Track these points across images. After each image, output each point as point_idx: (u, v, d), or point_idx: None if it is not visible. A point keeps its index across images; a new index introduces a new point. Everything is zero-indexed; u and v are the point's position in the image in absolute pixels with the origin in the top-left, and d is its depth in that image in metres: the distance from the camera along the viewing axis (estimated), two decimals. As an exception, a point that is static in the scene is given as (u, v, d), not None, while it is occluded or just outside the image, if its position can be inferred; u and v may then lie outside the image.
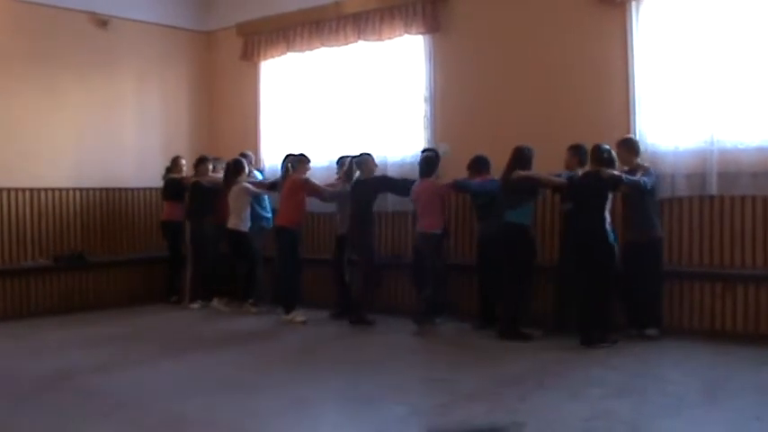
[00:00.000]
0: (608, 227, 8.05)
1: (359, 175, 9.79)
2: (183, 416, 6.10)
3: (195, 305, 11.14)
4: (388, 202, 10.39)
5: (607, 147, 8.15)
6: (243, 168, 10.75)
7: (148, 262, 11.98)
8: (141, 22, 12.17)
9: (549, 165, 8.74)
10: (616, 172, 8.07)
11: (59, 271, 11.04)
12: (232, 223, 10.61)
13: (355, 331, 9.43)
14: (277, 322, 10.01)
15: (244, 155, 11.21)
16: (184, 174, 11.63)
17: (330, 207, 10.52)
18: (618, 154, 8.29)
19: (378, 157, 10.21)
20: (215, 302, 10.97)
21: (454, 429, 5.66)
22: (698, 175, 8.45)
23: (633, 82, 8.83)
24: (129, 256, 11.89)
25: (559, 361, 7.63)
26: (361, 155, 9.89)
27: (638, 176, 8.18)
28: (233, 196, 10.57)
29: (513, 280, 8.52)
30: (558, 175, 8.57)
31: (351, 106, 11.15)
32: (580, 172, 8.41)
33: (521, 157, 8.59)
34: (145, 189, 12.10)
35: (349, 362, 7.97)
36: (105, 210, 11.75)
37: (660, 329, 8.31)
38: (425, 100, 10.40)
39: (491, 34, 9.91)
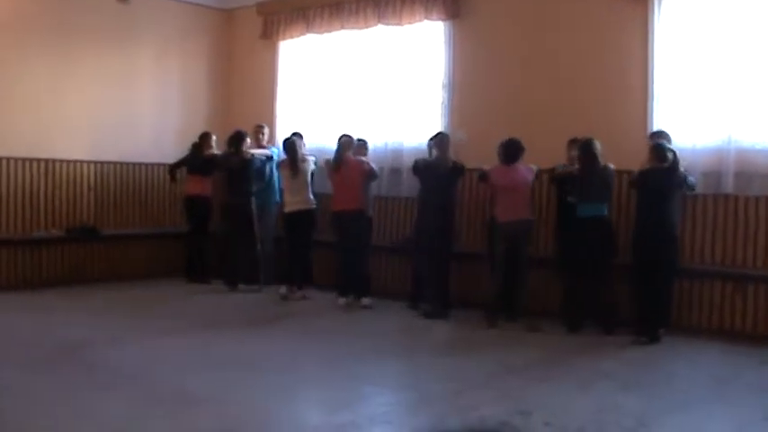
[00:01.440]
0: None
1: (436, 156, 9.40)
2: (193, 391, 6.13)
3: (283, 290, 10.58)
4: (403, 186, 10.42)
5: (670, 146, 8.09)
6: (298, 147, 10.35)
7: (162, 237, 11.99)
8: (162, -3, 12.20)
9: (564, 156, 8.77)
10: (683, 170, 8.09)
11: (71, 242, 11.07)
12: (300, 202, 10.27)
13: (365, 314, 9.43)
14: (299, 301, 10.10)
15: (296, 133, 10.77)
16: (214, 150, 11.53)
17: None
18: (651, 144, 8.26)
19: (394, 142, 10.19)
20: (283, 289, 10.39)
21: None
22: (714, 174, 8.42)
23: (652, 77, 8.78)
24: (142, 231, 11.91)
25: (568, 352, 7.65)
26: (438, 134, 9.54)
27: (690, 176, 8.23)
28: (295, 175, 10.23)
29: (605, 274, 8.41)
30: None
31: (368, 90, 11.13)
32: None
33: (595, 151, 8.37)
34: (160, 164, 12.09)
35: (359, 343, 7.99)
36: (119, 183, 11.77)
37: (667, 326, 8.25)
38: (443, 86, 10.38)
39: (511, 23, 9.88)
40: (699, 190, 8.45)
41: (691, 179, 8.22)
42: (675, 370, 7.04)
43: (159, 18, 12.17)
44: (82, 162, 11.32)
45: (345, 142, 9.88)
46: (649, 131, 8.61)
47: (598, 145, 8.36)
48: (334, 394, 6.28)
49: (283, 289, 10.33)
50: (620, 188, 8.77)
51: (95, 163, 11.46)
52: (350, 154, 9.88)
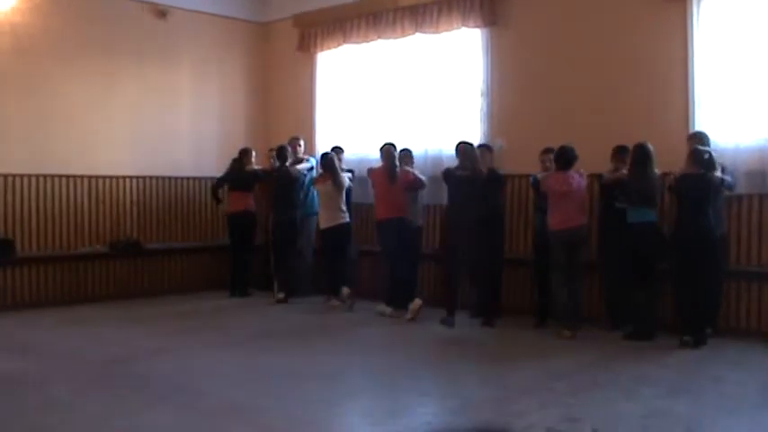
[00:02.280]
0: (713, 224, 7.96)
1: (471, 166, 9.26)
2: (240, 403, 6.16)
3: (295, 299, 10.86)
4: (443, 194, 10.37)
5: (708, 149, 8.00)
6: (334, 164, 10.43)
7: (204, 250, 12.10)
8: (199, 12, 12.27)
9: (605, 162, 8.69)
10: (718, 174, 7.95)
11: (115, 258, 11.20)
12: (332, 218, 10.37)
13: (413, 324, 9.39)
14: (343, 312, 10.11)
15: (337, 148, 11.11)
16: (254, 165, 11.58)
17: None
18: (689, 147, 8.17)
19: (433, 150, 10.20)
20: (333, 301, 10.45)
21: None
22: (758, 173, 8.31)
23: (693, 78, 8.71)
24: (184, 245, 12.03)
25: (613, 357, 7.58)
26: (461, 143, 9.37)
27: (727, 177, 8.08)
28: (328, 192, 10.35)
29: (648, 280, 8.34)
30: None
31: (407, 99, 11.15)
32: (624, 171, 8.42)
33: (648, 156, 8.29)
34: (200, 178, 12.22)
35: (402, 352, 7.99)
36: (161, 198, 11.90)
37: (715, 328, 8.17)
38: (482, 94, 10.35)
39: (548, 29, 9.84)
40: (742, 190, 8.35)
41: (728, 179, 8.08)
42: (722, 374, 6.91)
43: (197, 32, 12.29)
44: (124, 177, 11.45)
45: (388, 151, 9.91)
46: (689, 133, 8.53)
47: (651, 150, 8.26)
48: (378, 404, 6.28)
49: (332, 300, 10.42)
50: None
51: (137, 178, 11.59)
52: (401, 165, 9.93)
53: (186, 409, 5.99)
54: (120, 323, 9.52)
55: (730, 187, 8.15)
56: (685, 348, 7.75)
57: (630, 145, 8.41)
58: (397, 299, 9.79)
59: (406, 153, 10.18)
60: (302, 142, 11.41)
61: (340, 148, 11.08)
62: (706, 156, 7.90)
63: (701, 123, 8.62)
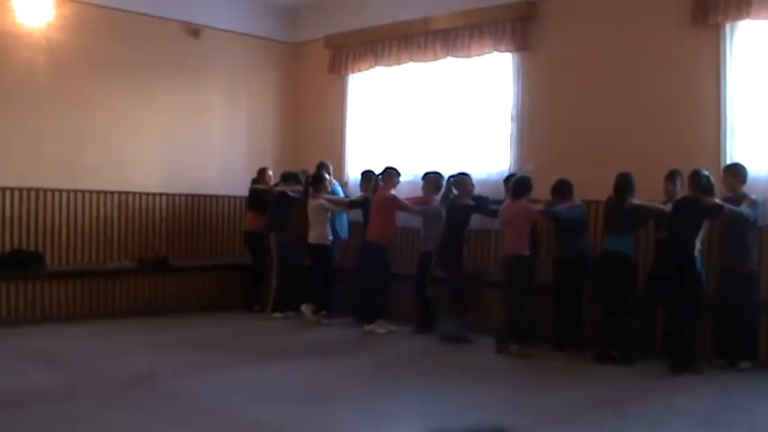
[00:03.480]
0: (697, 254, 7.90)
1: (456, 195, 9.77)
2: (259, 423, 6.16)
3: (278, 315, 11.09)
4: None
5: (706, 172, 7.98)
6: (322, 181, 10.75)
7: (230, 269, 12.12)
8: (232, 32, 12.39)
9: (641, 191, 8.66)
10: (717, 200, 7.88)
11: (143, 274, 11.25)
12: (313, 237, 10.66)
13: (437, 347, 9.37)
14: (359, 334, 10.05)
15: (322, 164, 11.27)
16: (270, 185, 11.70)
17: (416, 222, 10.47)
18: (724, 180, 8.16)
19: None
20: (303, 307, 10.66)
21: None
22: (789, 203, 8.23)
23: (725, 105, 8.67)
24: (211, 262, 12.07)
25: (642, 388, 7.49)
26: (458, 174, 9.87)
27: (742, 207, 7.96)
28: (311, 211, 10.63)
29: (623, 310, 8.38)
30: (664, 203, 8.50)
31: (437, 122, 11.17)
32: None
33: (630, 185, 8.44)
34: (229, 197, 12.29)
35: (429, 377, 7.94)
36: (190, 215, 11.98)
37: (754, 362, 8.05)
38: (512, 119, 10.34)
39: (580, 54, 9.82)
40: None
41: (743, 210, 7.93)
42: (754, 407, 6.81)
43: (229, 52, 12.39)
44: (154, 194, 11.53)
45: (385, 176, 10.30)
46: (723, 162, 8.48)
47: (632, 178, 8.39)
48: (401, 427, 6.27)
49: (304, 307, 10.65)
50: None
51: (167, 195, 11.67)
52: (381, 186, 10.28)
53: (212, 429, 6.00)
54: (146, 339, 9.54)
55: (746, 219, 7.98)
56: (677, 376, 7.77)
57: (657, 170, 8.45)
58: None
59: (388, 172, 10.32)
60: (330, 167, 11.42)
61: (325, 164, 11.30)
62: (704, 180, 7.91)
63: (732, 152, 8.57)
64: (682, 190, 8.40)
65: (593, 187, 8.94)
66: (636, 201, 8.44)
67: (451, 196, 9.84)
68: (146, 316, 10.88)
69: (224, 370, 7.98)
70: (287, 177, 11.37)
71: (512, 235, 8.96)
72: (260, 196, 11.57)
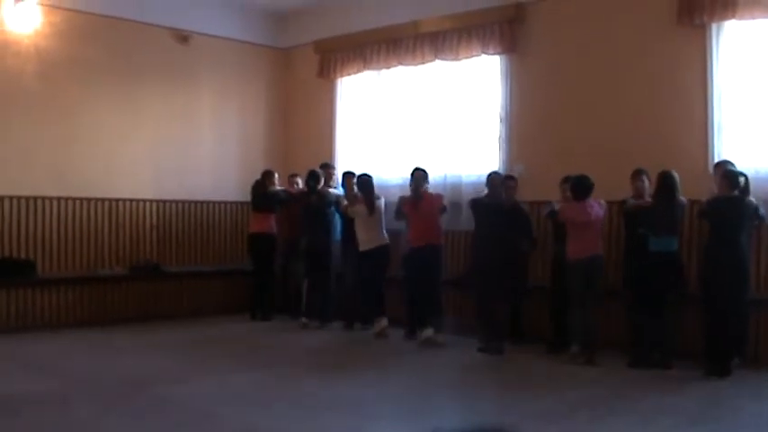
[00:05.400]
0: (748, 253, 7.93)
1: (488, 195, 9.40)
2: (258, 428, 6.18)
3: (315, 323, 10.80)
4: (461, 220, 10.39)
5: (743, 172, 7.98)
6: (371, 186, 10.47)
7: (223, 274, 12.13)
8: (221, 38, 12.40)
9: (626, 188, 8.69)
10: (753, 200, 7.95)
11: (135, 280, 11.24)
12: (368, 240, 10.32)
13: (428, 350, 9.36)
14: (345, 338, 10.05)
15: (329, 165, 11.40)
16: (277, 187, 11.66)
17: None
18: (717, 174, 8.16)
19: (452, 175, 10.23)
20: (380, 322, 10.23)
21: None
22: (777, 201, 8.28)
23: (712, 104, 8.71)
24: (203, 268, 12.07)
25: (632, 386, 7.52)
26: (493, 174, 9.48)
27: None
28: (360, 215, 10.34)
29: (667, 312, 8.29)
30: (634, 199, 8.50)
31: (426, 125, 11.20)
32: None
33: (677, 184, 8.25)
34: (220, 202, 12.31)
35: (421, 379, 7.96)
36: (181, 221, 11.98)
37: (743, 359, 8.08)
38: (501, 120, 10.39)
39: (568, 55, 9.87)
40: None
41: (762, 211, 8.03)
42: (743, 405, 6.85)
43: (218, 58, 12.40)
44: (145, 201, 11.54)
45: (420, 176, 9.82)
46: (711, 161, 8.53)
47: (677, 178, 8.24)
48: (401, 428, 6.31)
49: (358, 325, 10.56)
50: (690, 220, 8.64)
51: (158, 202, 11.67)
52: (427, 188, 9.87)
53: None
54: (139, 346, 9.54)
55: (763, 219, 8.07)
56: (711, 379, 7.65)
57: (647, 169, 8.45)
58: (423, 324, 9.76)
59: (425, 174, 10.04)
60: (336, 170, 11.51)
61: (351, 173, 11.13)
62: (742, 178, 7.88)
63: (720, 150, 8.62)
64: (649, 187, 8.51)
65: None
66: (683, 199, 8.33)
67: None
68: (138, 322, 10.86)
69: (219, 376, 7.98)
70: (315, 178, 11.02)
71: (589, 236, 8.59)
72: (271, 198, 11.45)
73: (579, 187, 8.61)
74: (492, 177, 9.33)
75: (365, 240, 10.30)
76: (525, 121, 10.19)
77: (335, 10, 12.30)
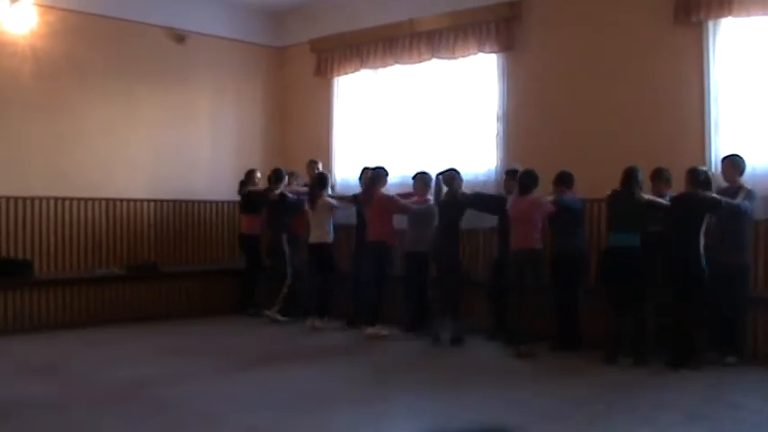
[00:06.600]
0: (701, 250, 7.94)
1: (447, 192, 9.67)
2: (257, 427, 6.16)
3: (282, 318, 10.98)
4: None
5: (704, 169, 8.05)
6: (327, 182, 10.77)
7: (220, 273, 12.12)
8: (217, 37, 12.39)
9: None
10: (715, 195, 7.93)
11: (132, 280, 11.22)
12: (316, 237, 10.60)
13: (433, 348, 9.36)
14: (355, 337, 10.04)
15: (314, 161, 11.61)
16: (259, 186, 11.72)
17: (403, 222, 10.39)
18: (724, 170, 8.21)
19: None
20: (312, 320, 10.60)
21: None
22: (775, 197, 8.28)
23: (709, 101, 8.72)
24: (201, 268, 12.07)
25: (631, 384, 7.52)
26: (447, 171, 9.72)
27: (738, 199, 7.98)
28: (319, 210, 10.55)
29: (634, 308, 8.33)
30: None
31: (423, 123, 11.20)
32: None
33: (637, 178, 8.29)
34: (217, 202, 12.31)
35: (426, 378, 7.94)
36: (178, 221, 11.99)
37: (740, 357, 8.08)
38: (498, 118, 10.39)
39: (565, 53, 9.87)
40: (761, 215, 8.27)
41: (741, 203, 7.96)
42: (741, 401, 6.84)
43: (214, 57, 12.40)
44: (142, 201, 11.53)
45: (374, 176, 10.20)
46: (708, 158, 8.56)
47: (639, 174, 8.28)
48: (401, 428, 6.30)
49: (316, 321, 10.57)
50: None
51: (155, 201, 11.66)
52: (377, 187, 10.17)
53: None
54: (137, 346, 9.52)
55: (743, 211, 8.01)
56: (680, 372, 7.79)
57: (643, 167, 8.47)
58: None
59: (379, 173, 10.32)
60: (320, 165, 11.51)
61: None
62: (702, 176, 7.95)
63: (717, 147, 8.63)
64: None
65: (579, 185, 9.02)
66: (646, 195, 8.34)
67: (443, 194, 9.73)
68: (136, 322, 10.83)
69: (219, 375, 7.98)
70: (279, 176, 11.28)
71: (524, 230, 8.81)
72: (254, 199, 11.57)
73: (521, 182, 8.91)
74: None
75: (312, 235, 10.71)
76: (522, 120, 10.19)
77: (332, 9, 12.30)
